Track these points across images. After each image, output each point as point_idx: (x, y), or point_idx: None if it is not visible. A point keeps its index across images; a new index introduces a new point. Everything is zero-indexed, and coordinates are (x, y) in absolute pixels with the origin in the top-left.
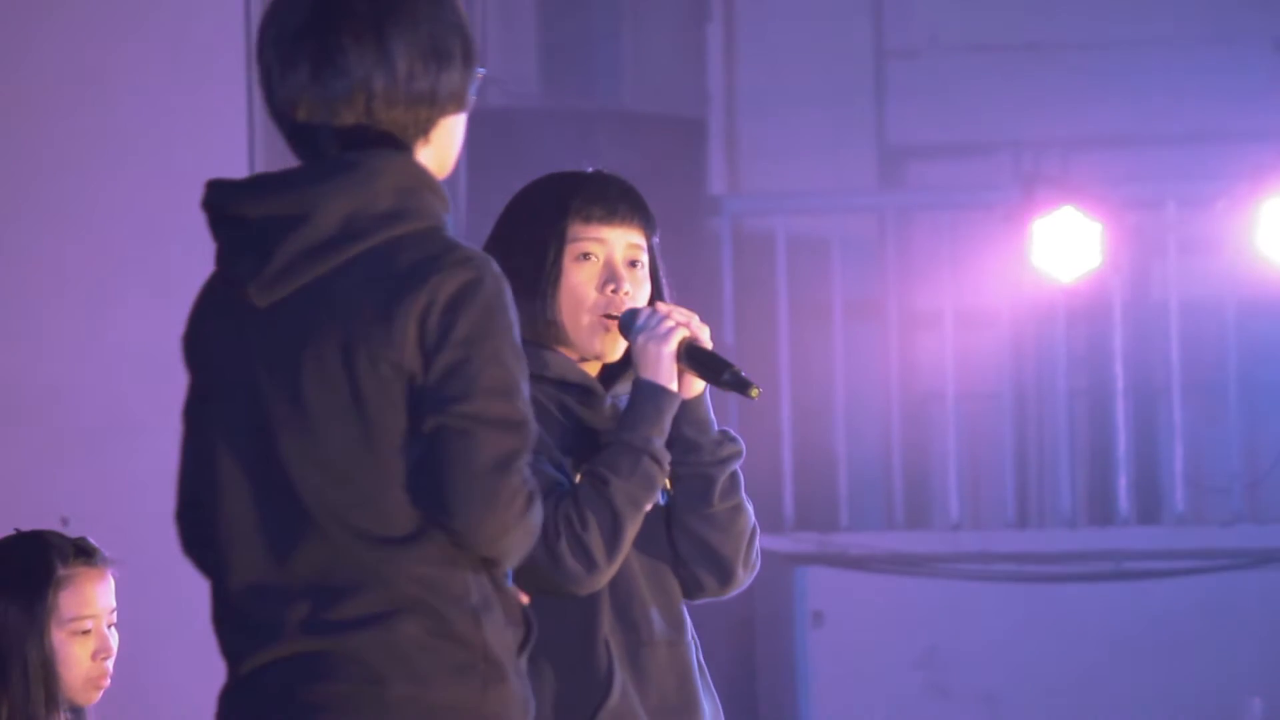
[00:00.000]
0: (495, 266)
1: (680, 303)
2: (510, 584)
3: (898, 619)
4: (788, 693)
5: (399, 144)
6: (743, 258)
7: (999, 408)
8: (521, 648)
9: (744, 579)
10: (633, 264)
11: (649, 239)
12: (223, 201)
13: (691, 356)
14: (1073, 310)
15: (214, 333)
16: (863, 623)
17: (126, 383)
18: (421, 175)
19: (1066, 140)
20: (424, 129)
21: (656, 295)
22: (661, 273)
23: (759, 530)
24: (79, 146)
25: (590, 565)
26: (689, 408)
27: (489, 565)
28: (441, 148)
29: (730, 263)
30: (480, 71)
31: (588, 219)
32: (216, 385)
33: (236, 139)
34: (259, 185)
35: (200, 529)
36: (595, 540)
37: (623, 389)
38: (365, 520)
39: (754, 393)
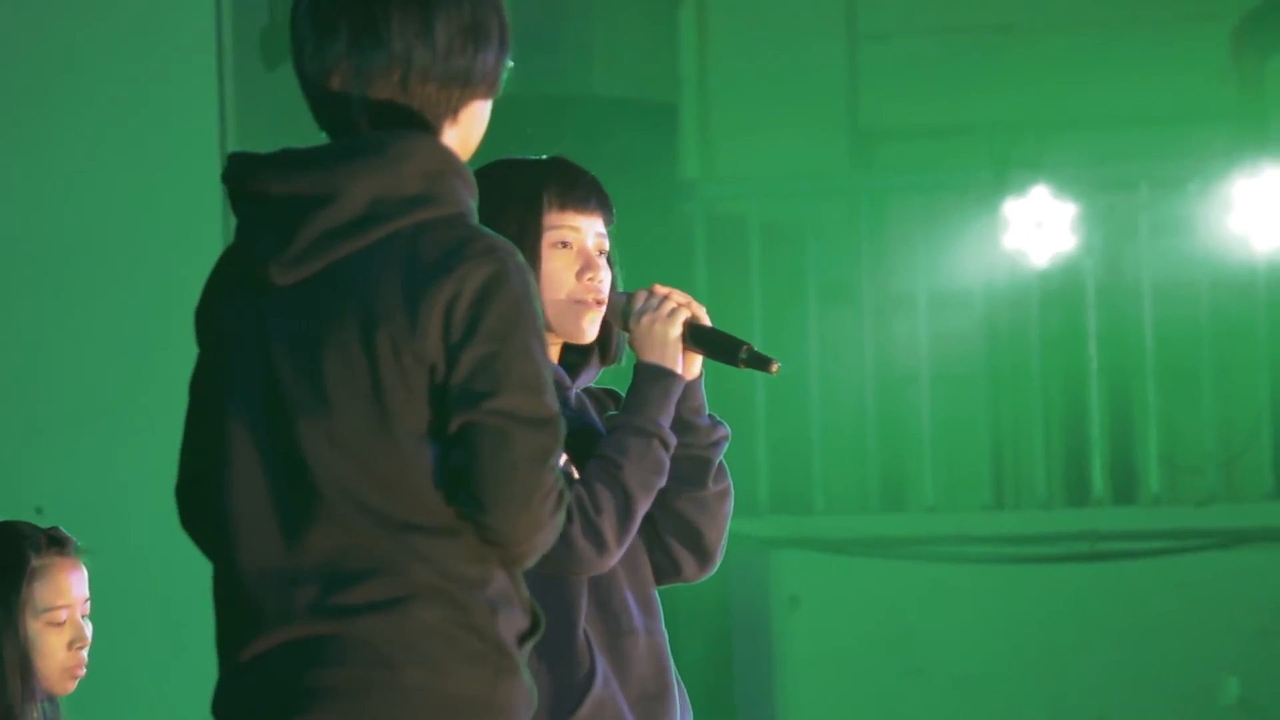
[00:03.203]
0: (519, 256)
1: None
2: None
3: (874, 602)
4: (764, 676)
5: (427, 124)
6: (716, 242)
7: (973, 390)
8: (526, 640)
9: (718, 564)
10: (600, 253)
11: (609, 229)
12: (243, 177)
13: (699, 337)
14: (1046, 292)
15: (229, 310)
16: (839, 606)
17: (100, 371)
18: (449, 160)
19: (1039, 122)
20: (454, 109)
21: (613, 285)
22: (615, 263)
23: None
24: (49, 133)
25: (601, 548)
26: (688, 390)
27: (510, 559)
28: (467, 131)
29: (703, 247)
30: (510, 63)
31: (563, 208)
32: (230, 363)
33: (206, 123)
34: (284, 162)
35: (203, 505)
36: (608, 523)
37: (585, 380)
38: (385, 504)
39: (774, 368)
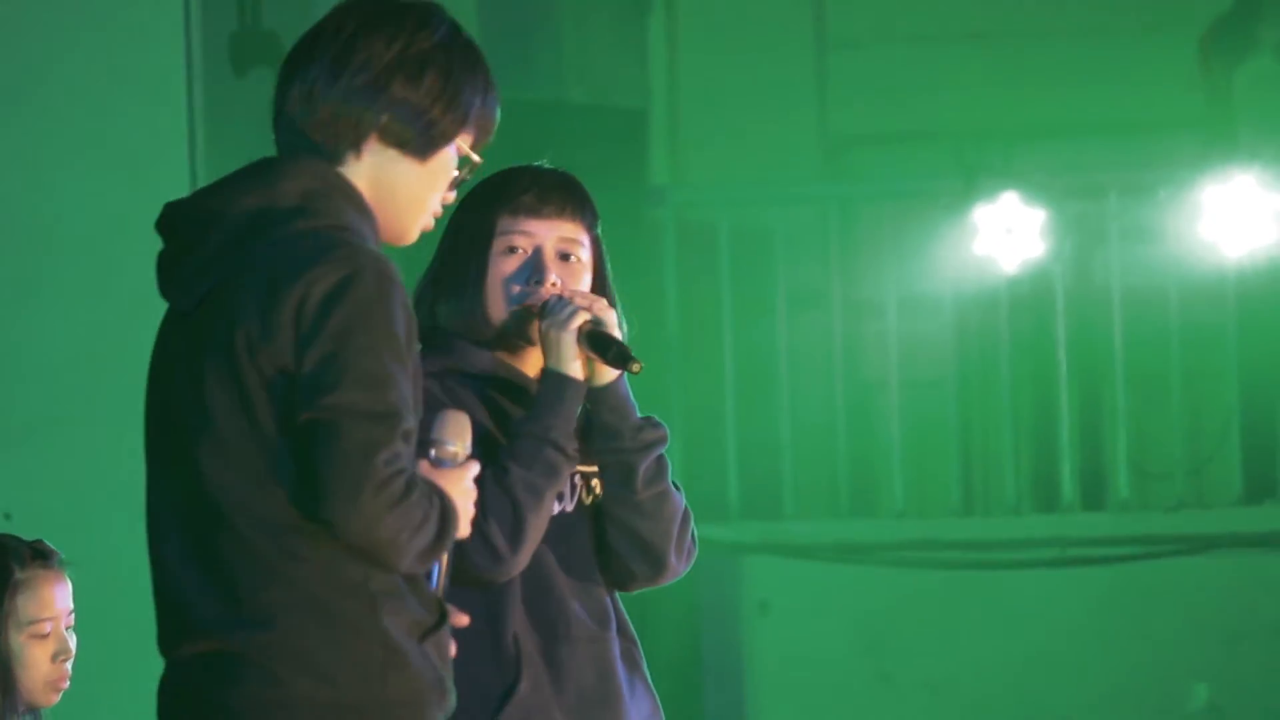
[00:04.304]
0: (385, 267)
1: (622, 295)
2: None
3: (843, 607)
4: (733, 681)
5: (322, 149)
6: (686, 248)
7: (943, 395)
8: (430, 632)
9: (678, 566)
10: (566, 257)
11: (589, 231)
12: (162, 220)
13: (590, 340)
14: (1016, 298)
15: (154, 357)
16: (808, 611)
17: (66, 378)
18: (335, 181)
19: (1008, 129)
20: (353, 141)
21: (599, 288)
22: (605, 265)
23: (693, 516)
24: (16, 139)
25: (493, 555)
26: (605, 393)
27: (375, 559)
28: (375, 176)
29: (673, 253)
30: (473, 158)
31: (515, 212)
32: (150, 397)
33: (176, 130)
34: (189, 197)
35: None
36: (494, 530)
37: None
38: (268, 509)
39: (635, 368)
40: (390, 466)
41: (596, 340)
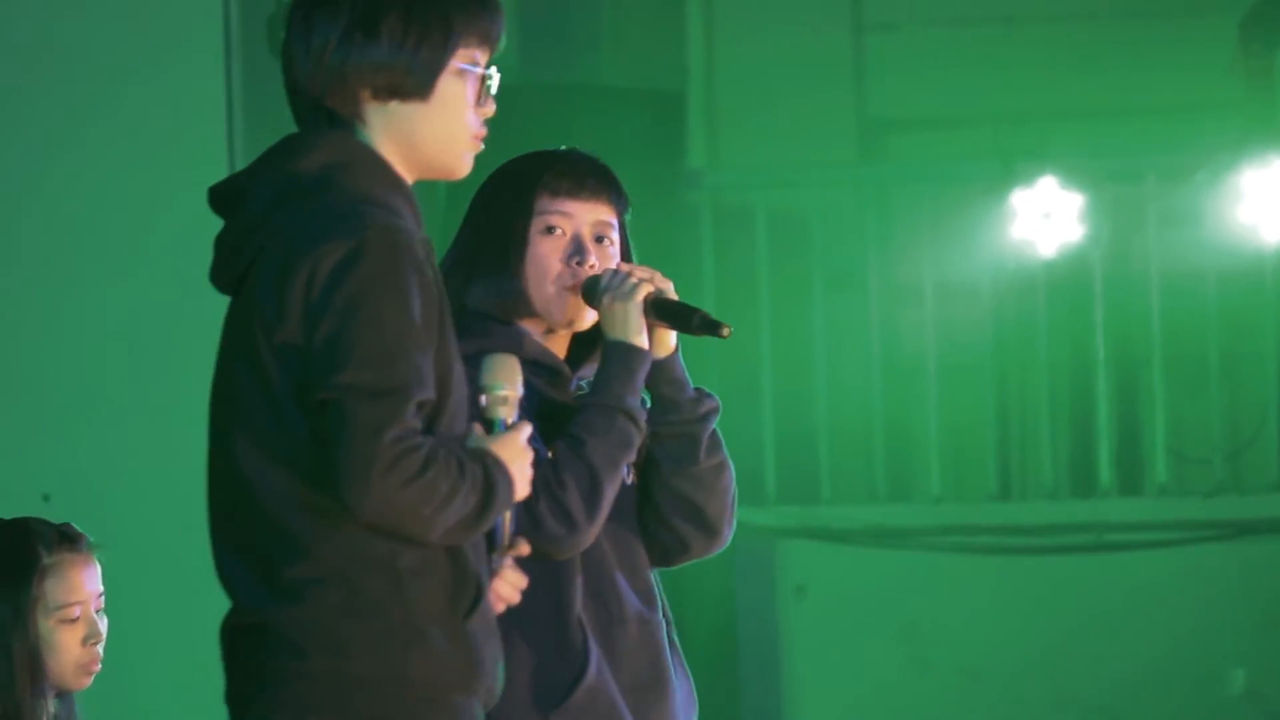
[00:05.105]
0: (397, 237)
1: None
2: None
3: (879, 592)
4: (770, 667)
5: (340, 121)
6: (723, 231)
7: (980, 380)
8: (468, 612)
9: (728, 536)
10: (600, 240)
11: (619, 217)
12: (211, 204)
13: (659, 309)
14: (1053, 282)
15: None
16: (844, 596)
17: (107, 359)
18: (358, 152)
19: (1046, 113)
20: (351, 108)
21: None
22: (630, 254)
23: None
24: (55, 120)
25: (570, 525)
26: (664, 366)
27: (402, 537)
28: (392, 136)
29: (710, 236)
30: (476, 68)
31: (555, 193)
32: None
33: (214, 111)
34: (224, 180)
35: None
36: (574, 500)
37: (588, 372)
38: (294, 488)
39: (726, 332)
40: (400, 444)
41: (670, 309)
